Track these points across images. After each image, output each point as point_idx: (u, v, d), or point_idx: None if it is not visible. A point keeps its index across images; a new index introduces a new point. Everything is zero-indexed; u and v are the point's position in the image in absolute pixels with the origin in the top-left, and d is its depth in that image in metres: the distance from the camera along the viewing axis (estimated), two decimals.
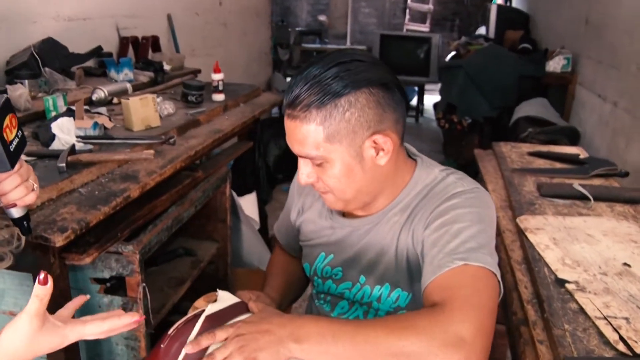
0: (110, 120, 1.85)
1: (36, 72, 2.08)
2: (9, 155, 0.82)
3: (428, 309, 0.86)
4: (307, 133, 0.95)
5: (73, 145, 1.52)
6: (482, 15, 7.65)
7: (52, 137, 1.58)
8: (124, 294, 1.43)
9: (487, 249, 0.93)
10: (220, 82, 2.37)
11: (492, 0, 6.95)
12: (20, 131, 0.86)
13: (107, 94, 2.16)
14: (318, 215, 1.18)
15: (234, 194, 2.36)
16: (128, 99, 1.84)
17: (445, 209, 0.98)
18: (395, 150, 1.00)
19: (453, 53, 5.71)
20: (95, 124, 1.70)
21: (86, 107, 1.96)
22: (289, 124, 0.98)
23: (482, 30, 6.71)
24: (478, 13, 8.05)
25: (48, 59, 2.16)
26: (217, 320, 0.93)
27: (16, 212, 0.91)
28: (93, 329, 0.83)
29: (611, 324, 1.05)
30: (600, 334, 1.03)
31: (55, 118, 1.62)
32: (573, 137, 3.34)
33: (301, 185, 1.18)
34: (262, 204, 3.07)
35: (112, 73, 2.46)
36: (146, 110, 1.87)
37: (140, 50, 2.99)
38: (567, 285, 1.19)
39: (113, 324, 0.84)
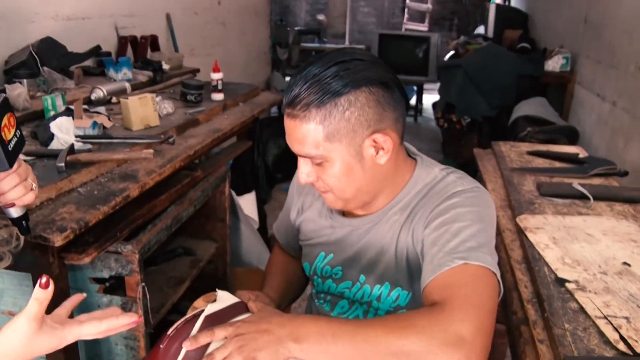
0: (109, 119, 1.85)
1: (35, 71, 2.08)
2: (7, 155, 0.82)
3: (428, 308, 0.86)
4: (306, 132, 0.95)
5: (72, 145, 1.51)
6: (480, 14, 7.66)
7: (51, 136, 1.58)
8: (123, 294, 1.43)
9: (487, 248, 0.93)
10: (220, 82, 2.37)
11: None
12: (18, 130, 0.86)
13: (106, 93, 2.15)
14: (318, 215, 1.17)
15: (233, 193, 2.36)
16: (127, 99, 1.84)
17: (445, 208, 0.98)
18: (395, 149, 1.00)
19: (452, 52, 5.71)
20: (94, 124, 1.70)
21: (85, 106, 1.96)
22: (288, 123, 0.97)
23: (480, 30, 6.71)
24: (477, 12, 8.07)
25: (47, 59, 2.16)
26: (217, 320, 0.92)
27: (15, 212, 0.90)
28: (90, 329, 0.83)
29: (611, 324, 1.05)
30: (601, 334, 1.03)
31: (54, 117, 1.62)
32: (572, 137, 3.34)
33: (301, 185, 1.18)
34: (261, 204, 3.06)
35: (111, 72, 2.45)
36: (145, 109, 1.87)
37: (139, 49, 2.98)
38: (567, 284, 1.19)
39: (111, 324, 0.84)
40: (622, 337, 1.01)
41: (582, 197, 1.68)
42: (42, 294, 0.76)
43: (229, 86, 2.55)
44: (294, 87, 0.95)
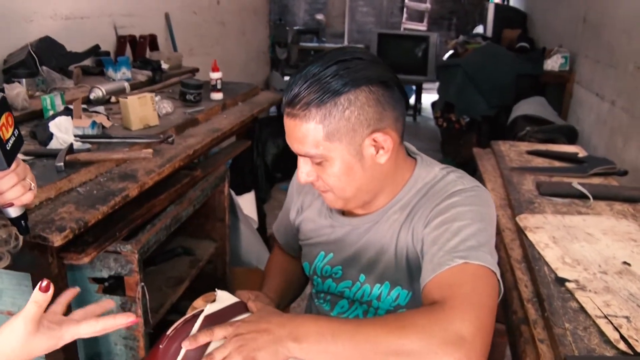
0: (108, 119, 1.85)
1: (33, 71, 2.07)
2: (5, 154, 0.82)
3: (428, 307, 0.85)
4: (306, 132, 0.94)
5: (71, 145, 1.51)
6: (479, 14, 7.67)
7: (50, 136, 1.57)
8: (122, 294, 1.42)
9: (487, 247, 0.93)
10: (219, 81, 2.37)
11: None
12: (16, 130, 0.86)
13: (105, 92, 2.15)
14: (317, 214, 1.17)
15: (233, 193, 2.36)
16: (126, 98, 1.84)
17: (445, 207, 0.98)
18: (395, 148, 1.00)
19: (451, 52, 5.71)
20: (94, 123, 1.70)
21: (84, 106, 1.96)
22: (288, 123, 0.97)
23: (479, 29, 6.71)
24: (475, 12, 8.07)
25: (45, 58, 2.16)
26: (216, 320, 0.92)
27: (13, 212, 0.90)
28: (87, 328, 0.84)
29: (612, 323, 1.04)
30: (601, 333, 1.03)
31: (53, 117, 1.62)
32: (571, 136, 3.34)
33: (300, 184, 1.18)
34: (260, 203, 3.06)
35: (110, 72, 2.45)
36: (144, 109, 1.86)
37: (137, 49, 2.98)
38: (567, 284, 1.19)
39: (107, 324, 0.85)
40: (622, 337, 1.00)
41: (582, 196, 1.68)
42: (41, 297, 0.77)
43: (228, 86, 2.55)
44: (293, 86, 0.95)
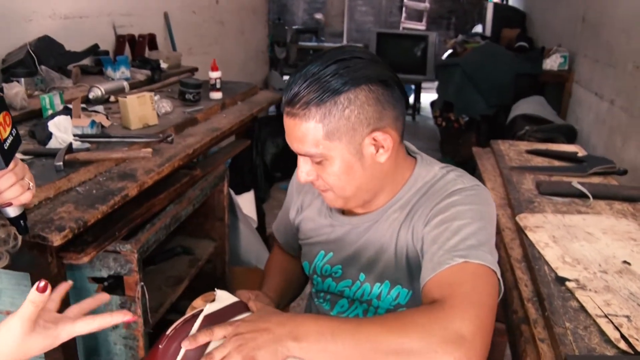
0: (107, 118, 1.85)
1: (32, 70, 2.07)
2: (3, 154, 0.82)
3: (428, 306, 0.85)
4: (306, 131, 0.94)
5: (70, 144, 1.51)
6: (478, 13, 7.67)
7: (49, 135, 1.57)
8: (122, 293, 1.42)
9: (487, 246, 0.93)
10: (218, 80, 2.36)
11: None
12: (14, 129, 0.85)
13: (104, 92, 2.15)
14: (317, 213, 1.17)
15: (232, 192, 2.36)
16: (125, 97, 1.83)
17: (445, 206, 0.98)
18: (395, 147, 1.00)
19: (450, 51, 5.72)
20: (93, 123, 1.69)
21: (83, 105, 1.95)
22: (288, 122, 0.97)
23: (478, 29, 6.72)
24: (474, 11, 8.08)
25: (44, 57, 2.15)
26: (216, 320, 0.92)
27: (12, 211, 0.90)
28: (83, 326, 0.84)
29: (612, 322, 1.04)
30: (602, 332, 1.02)
31: (52, 116, 1.61)
32: (570, 135, 3.34)
33: (300, 183, 1.17)
34: (259, 202, 3.06)
35: (109, 71, 2.45)
36: (144, 108, 1.86)
37: (136, 48, 2.97)
38: (567, 283, 1.19)
39: (104, 321, 0.84)
40: (622, 336, 1.00)
41: (582, 195, 1.68)
42: (37, 297, 0.76)
43: (227, 85, 2.55)
44: (293, 85, 0.94)
